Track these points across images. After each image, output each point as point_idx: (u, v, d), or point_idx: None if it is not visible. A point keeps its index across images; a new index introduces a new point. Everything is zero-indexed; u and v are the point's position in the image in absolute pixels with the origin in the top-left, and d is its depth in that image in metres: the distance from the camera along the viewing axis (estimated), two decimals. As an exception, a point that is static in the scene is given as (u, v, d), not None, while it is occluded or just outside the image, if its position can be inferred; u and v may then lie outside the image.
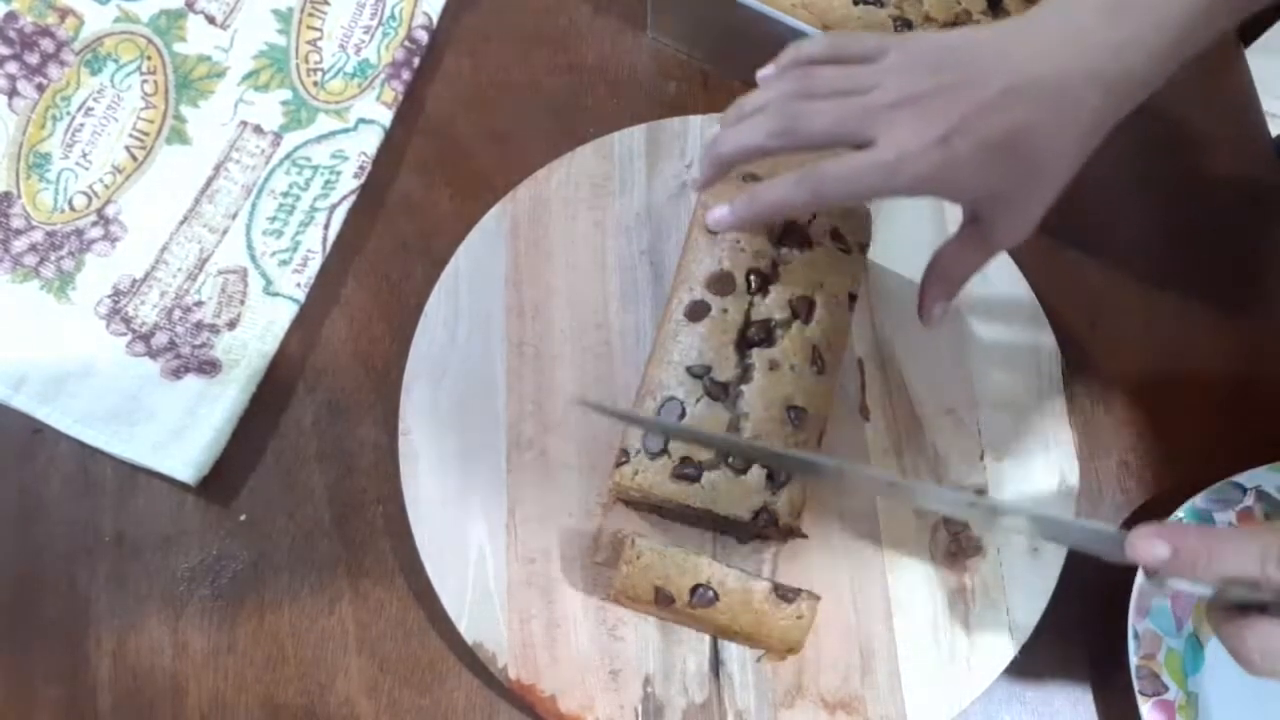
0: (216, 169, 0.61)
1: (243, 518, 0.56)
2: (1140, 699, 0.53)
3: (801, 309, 0.51)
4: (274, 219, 0.60)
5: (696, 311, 0.51)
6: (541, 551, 0.54)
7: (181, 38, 0.62)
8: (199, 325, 0.58)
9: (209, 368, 0.57)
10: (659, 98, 0.65)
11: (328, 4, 0.64)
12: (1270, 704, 0.54)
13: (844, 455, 0.56)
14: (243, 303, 0.58)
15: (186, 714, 0.53)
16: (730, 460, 0.49)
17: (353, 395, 0.58)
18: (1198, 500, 0.55)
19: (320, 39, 0.63)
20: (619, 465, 0.50)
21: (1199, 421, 0.60)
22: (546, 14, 0.66)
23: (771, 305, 0.51)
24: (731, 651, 0.53)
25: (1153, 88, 0.45)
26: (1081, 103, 0.45)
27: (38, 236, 0.59)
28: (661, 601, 0.49)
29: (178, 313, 0.58)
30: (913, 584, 0.54)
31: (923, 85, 0.46)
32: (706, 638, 0.53)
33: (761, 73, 0.51)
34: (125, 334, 0.57)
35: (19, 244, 0.58)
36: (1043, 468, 0.56)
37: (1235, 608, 0.41)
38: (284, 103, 0.62)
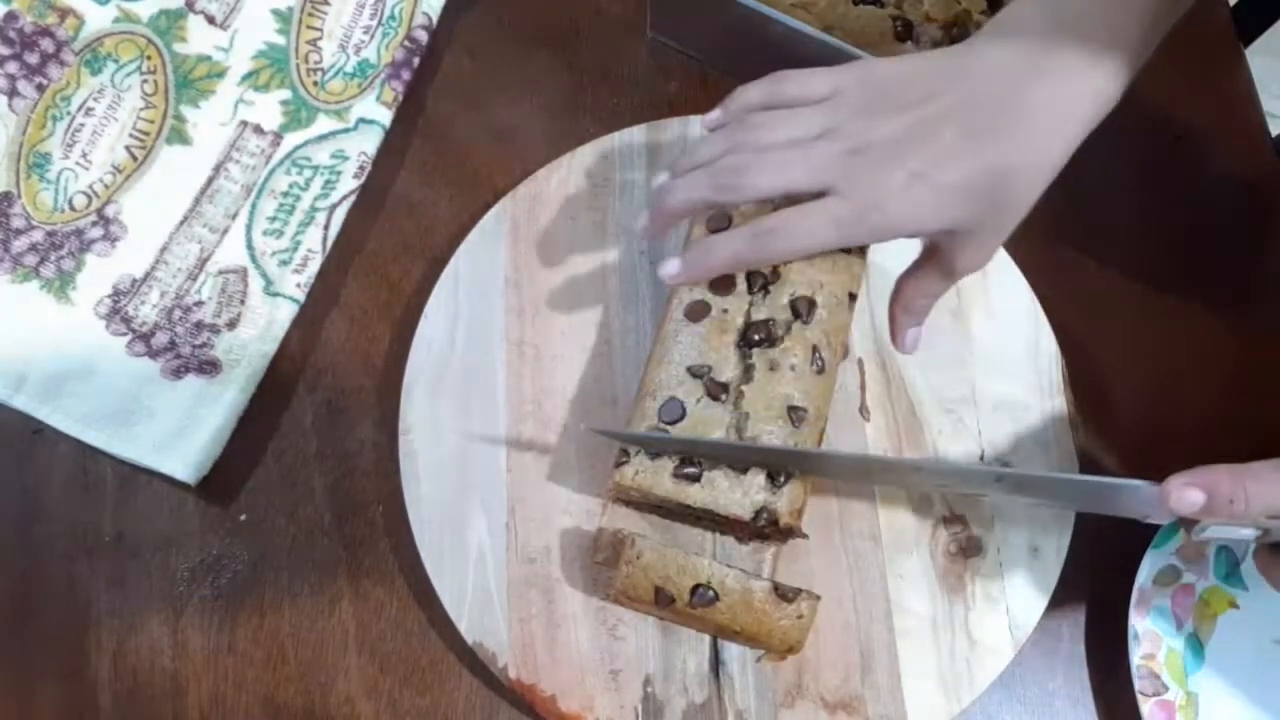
0: (216, 169, 0.61)
1: (243, 518, 0.56)
2: (1140, 699, 0.52)
3: (802, 309, 0.51)
4: (274, 219, 0.60)
5: (696, 311, 0.51)
6: (541, 551, 0.54)
7: (181, 38, 0.62)
8: (199, 325, 0.58)
9: (209, 368, 0.57)
10: (659, 98, 0.65)
11: (328, 4, 0.64)
12: (1271, 704, 0.54)
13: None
14: (243, 303, 0.58)
15: (186, 714, 0.53)
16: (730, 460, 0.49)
17: (353, 395, 0.58)
18: (1198, 500, 0.55)
19: (320, 39, 0.63)
20: (619, 465, 0.50)
21: (1199, 421, 0.60)
22: (546, 14, 0.66)
23: (772, 305, 0.51)
24: (731, 651, 0.53)
25: (1116, 101, 0.44)
26: (1045, 131, 0.43)
27: (38, 236, 0.59)
28: (661, 601, 0.49)
29: (178, 313, 0.58)
30: (913, 584, 0.54)
31: (879, 130, 0.44)
32: (706, 638, 0.53)
33: (708, 118, 0.49)
34: (125, 334, 0.57)
35: (19, 244, 0.58)
36: (1043, 468, 0.56)
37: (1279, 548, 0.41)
38: (284, 103, 0.62)
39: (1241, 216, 0.65)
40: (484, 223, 0.59)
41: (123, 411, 0.56)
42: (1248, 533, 0.41)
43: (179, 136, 0.61)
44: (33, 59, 0.61)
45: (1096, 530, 0.54)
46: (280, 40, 0.63)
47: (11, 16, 0.61)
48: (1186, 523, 0.43)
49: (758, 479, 0.49)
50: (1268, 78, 0.74)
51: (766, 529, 0.50)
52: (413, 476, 0.54)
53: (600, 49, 0.66)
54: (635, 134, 0.61)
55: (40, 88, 0.60)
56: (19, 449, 0.57)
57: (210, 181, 0.60)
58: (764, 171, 0.44)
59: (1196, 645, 0.54)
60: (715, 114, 0.48)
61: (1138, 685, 0.53)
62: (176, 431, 0.55)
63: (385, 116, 0.62)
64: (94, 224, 0.59)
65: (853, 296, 0.53)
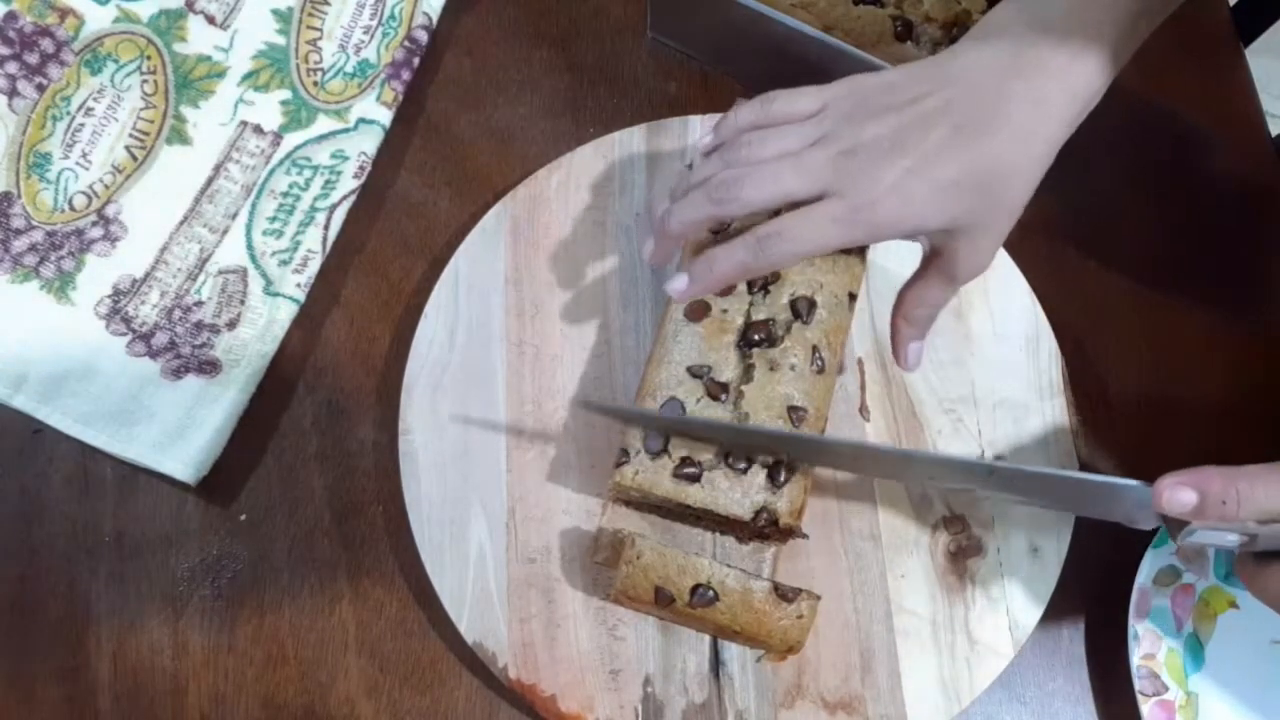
0: (216, 169, 0.61)
1: (243, 518, 0.56)
2: (1140, 699, 0.53)
3: (802, 309, 0.51)
4: (274, 219, 0.60)
5: (696, 311, 0.51)
6: (541, 551, 0.54)
7: (182, 38, 0.62)
8: (199, 325, 0.58)
9: (209, 368, 0.57)
10: (659, 98, 0.65)
11: (328, 4, 0.64)
12: (1271, 704, 0.54)
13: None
14: (243, 303, 0.58)
15: (186, 714, 0.53)
16: (730, 460, 0.49)
17: (353, 395, 0.58)
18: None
19: (320, 39, 0.63)
20: (619, 465, 0.50)
21: (1199, 421, 0.60)
22: (546, 14, 0.66)
23: (772, 305, 0.51)
24: (731, 651, 0.53)
25: (1095, 102, 0.45)
26: (1029, 129, 0.44)
27: (38, 236, 0.59)
28: (661, 601, 0.49)
29: (178, 313, 0.58)
30: (913, 584, 0.54)
31: (869, 131, 0.45)
32: (706, 638, 0.53)
33: (702, 143, 0.50)
34: (125, 334, 0.57)
35: (19, 244, 0.58)
36: (1043, 467, 0.56)
37: (1263, 557, 0.41)
38: (284, 103, 0.62)
39: (1241, 216, 0.65)
40: (484, 223, 0.59)
41: (123, 411, 0.56)
42: (1232, 539, 0.41)
43: (179, 136, 0.61)
44: (33, 59, 0.61)
45: (1097, 530, 0.54)
46: (280, 40, 0.63)
47: (11, 16, 0.61)
48: (1173, 527, 0.43)
49: (758, 479, 0.49)
50: (1268, 78, 0.74)
51: (766, 529, 0.50)
52: (413, 476, 0.54)
53: (600, 49, 0.66)
54: (635, 134, 0.61)
55: (40, 88, 0.60)
56: (19, 449, 0.57)
57: (210, 181, 0.60)
58: (760, 182, 0.45)
59: (1196, 645, 0.54)
60: (708, 138, 0.49)
61: (1138, 685, 0.53)
62: (176, 431, 0.55)
63: (385, 116, 0.62)
64: (94, 224, 0.59)
65: (853, 296, 0.53)
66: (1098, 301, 0.62)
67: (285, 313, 0.58)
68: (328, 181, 0.60)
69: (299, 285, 0.59)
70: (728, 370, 0.50)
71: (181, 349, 0.57)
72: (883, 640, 0.53)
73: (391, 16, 0.63)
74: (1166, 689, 0.53)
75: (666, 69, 0.65)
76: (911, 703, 0.52)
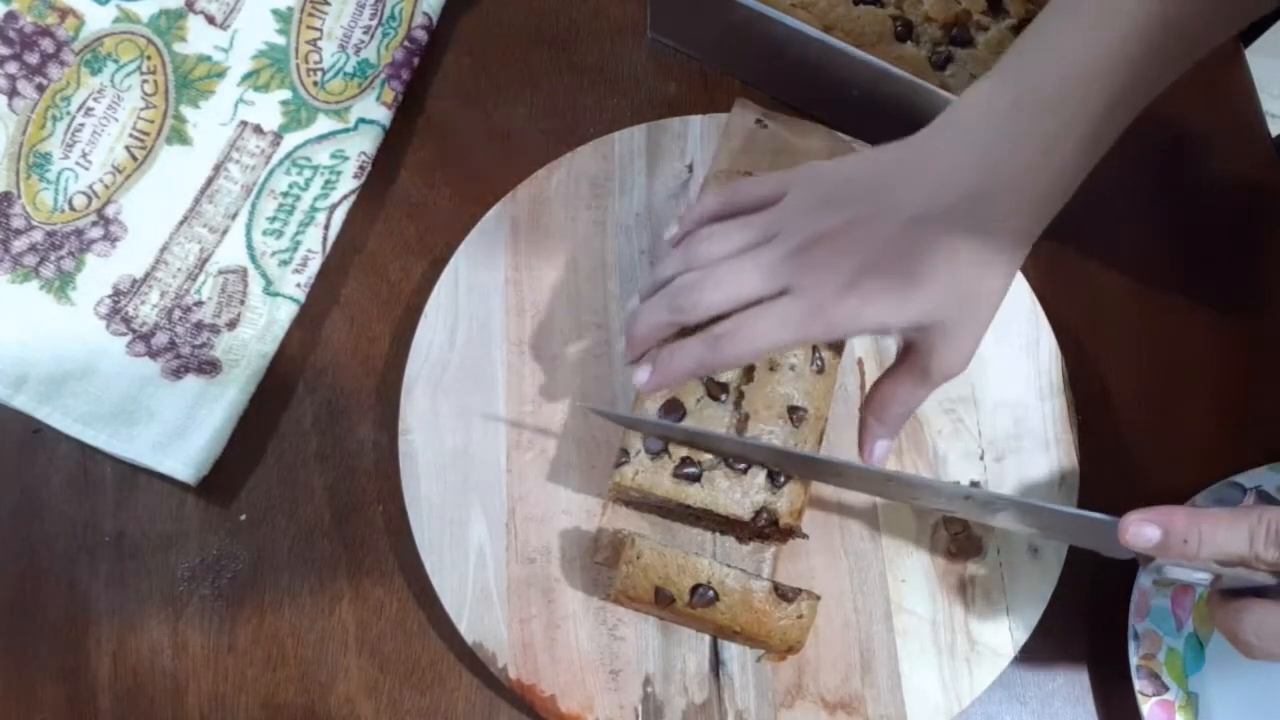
0: (216, 169, 0.61)
1: (243, 518, 0.56)
2: (1140, 699, 0.53)
3: (801, 309, 0.51)
4: (274, 219, 0.60)
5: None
6: (541, 551, 0.54)
7: (181, 38, 0.62)
8: (199, 325, 0.58)
9: (209, 368, 0.57)
10: (659, 98, 0.65)
11: (328, 4, 0.64)
12: (1271, 704, 0.54)
13: (845, 455, 0.55)
14: (243, 303, 0.58)
15: (186, 714, 0.53)
16: (730, 460, 0.49)
17: (353, 395, 0.58)
18: (1198, 500, 0.56)
19: (320, 39, 0.63)
20: (619, 465, 0.50)
21: (1199, 421, 0.60)
22: (546, 14, 0.66)
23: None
24: (731, 651, 0.53)
25: (1070, 194, 0.44)
26: (997, 222, 0.43)
27: (38, 236, 0.59)
28: (661, 601, 0.49)
29: (178, 313, 0.58)
30: (913, 584, 0.54)
31: (827, 225, 0.44)
32: (706, 638, 0.53)
33: (669, 234, 0.50)
34: (125, 334, 0.57)
35: (19, 244, 0.58)
36: (1043, 468, 0.56)
37: (1232, 594, 0.41)
38: (284, 103, 0.62)
39: (1241, 216, 0.65)
40: (484, 223, 0.59)
41: (123, 411, 0.56)
42: (1201, 575, 0.41)
43: (179, 136, 0.61)
44: (33, 59, 0.61)
45: (1096, 530, 0.54)
46: (280, 40, 0.63)
47: (11, 16, 0.61)
48: (1143, 558, 0.43)
49: (758, 479, 0.49)
50: (1268, 78, 0.74)
51: (766, 529, 0.50)
52: (413, 476, 0.54)
53: (600, 49, 0.66)
54: (635, 134, 0.61)
55: (40, 88, 0.60)
56: (19, 449, 0.57)
57: (210, 181, 0.60)
58: (716, 287, 0.45)
59: (1196, 645, 0.54)
60: (675, 229, 0.50)
61: (1138, 685, 0.53)
62: (176, 431, 0.55)
63: (385, 116, 0.62)
64: (94, 224, 0.59)
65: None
66: (1098, 301, 0.62)
67: (285, 313, 0.58)
68: (328, 181, 0.60)
69: (299, 285, 0.59)
70: (728, 370, 0.50)
71: (181, 349, 0.57)
72: (883, 640, 0.53)
73: (391, 16, 0.63)
74: (1166, 689, 0.53)
75: (666, 69, 0.65)
76: (911, 703, 0.52)
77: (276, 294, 0.59)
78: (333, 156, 0.61)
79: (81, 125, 0.60)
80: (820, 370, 0.51)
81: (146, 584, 0.55)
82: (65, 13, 0.61)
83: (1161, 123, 0.65)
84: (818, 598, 0.49)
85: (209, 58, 0.62)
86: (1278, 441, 0.59)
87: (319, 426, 0.58)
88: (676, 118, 0.61)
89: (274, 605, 0.55)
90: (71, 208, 0.59)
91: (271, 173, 0.61)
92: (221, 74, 0.62)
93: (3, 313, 0.57)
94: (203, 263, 0.59)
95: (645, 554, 0.49)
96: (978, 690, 0.52)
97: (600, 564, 0.53)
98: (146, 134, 0.61)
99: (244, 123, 0.61)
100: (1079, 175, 0.43)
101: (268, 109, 0.62)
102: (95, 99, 0.61)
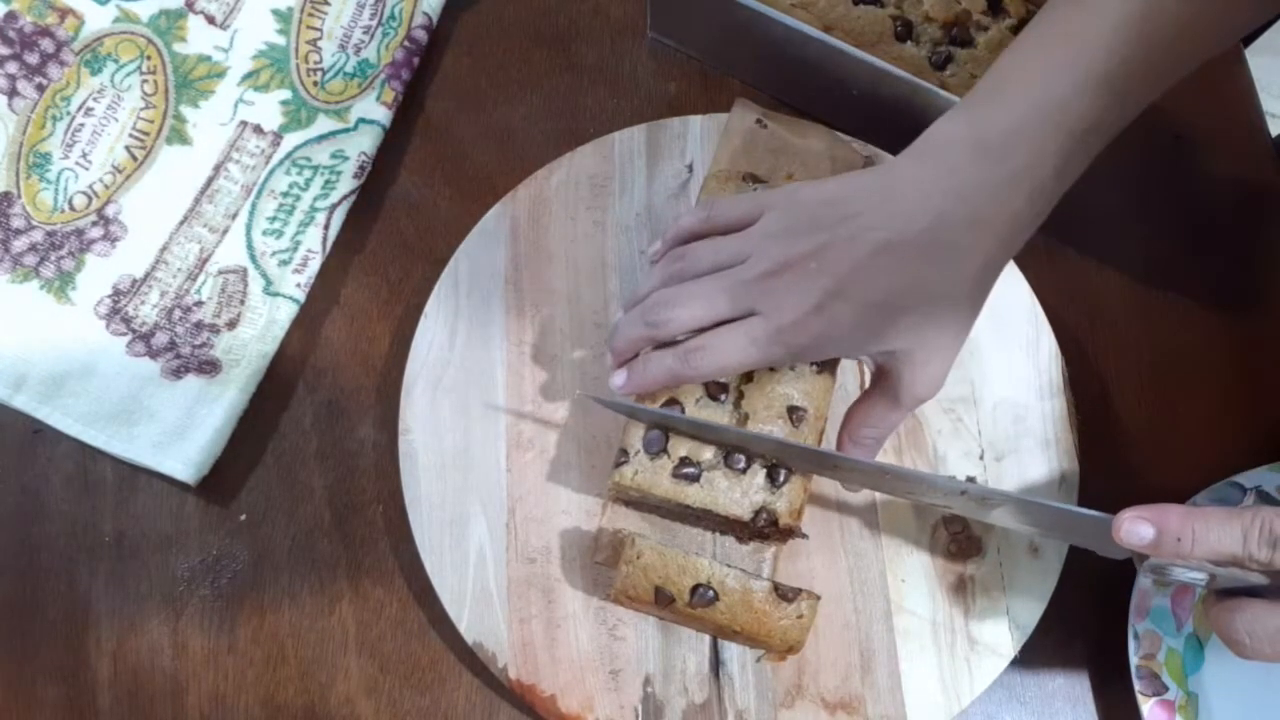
0: (216, 169, 0.61)
1: (243, 518, 0.56)
2: (1140, 699, 0.53)
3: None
4: (274, 219, 0.60)
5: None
6: (541, 551, 0.54)
7: (181, 38, 0.62)
8: (199, 325, 0.58)
9: (209, 368, 0.57)
10: (659, 98, 0.65)
11: (328, 4, 0.64)
12: (1270, 704, 0.54)
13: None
14: (243, 303, 0.58)
15: (186, 714, 0.53)
16: (730, 460, 0.49)
17: (353, 395, 0.58)
18: (1197, 500, 0.56)
19: (320, 39, 0.63)
20: (619, 465, 0.50)
21: (1199, 421, 0.60)
22: (546, 14, 0.66)
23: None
24: (731, 651, 0.53)
25: (1040, 221, 0.44)
26: (965, 250, 0.43)
27: (38, 236, 0.59)
28: (661, 601, 0.49)
29: (178, 313, 0.58)
30: (913, 584, 0.54)
31: (796, 249, 0.45)
32: (706, 638, 0.53)
33: (650, 250, 0.51)
34: (125, 334, 0.57)
35: (19, 244, 0.58)
36: (1043, 468, 0.56)
37: (1226, 593, 0.41)
38: (284, 103, 0.62)
39: (1241, 216, 0.65)
40: (484, 223, 0.59)
41: (123, 411, 0.56)
42: (1196, 575, 0.42)
43: (179, 136, 0.61)
44: (33, 59, 0.61)
45: (1096, 530, 0.54)
46: (280, 40, 0.63)
47: (11, 16, 0.61)
48: (1138, 557, 0.43)
49: (757, 479, 0.49)
50: (1268, 78, 0.74)
51: (766, 529, 0.50)
52: (413, 476, 0.54)
53: (600, 49, 0.66)
54: (635, 134, 0.61)
55: (40, 88, 0.60)
56: (19, 449, 0.57)
57: (210, 181, 0.60)
58: (686, 305, 0.47)
59: (1196, 645, 0.54)
60: (656, 246, 0.51)
61: (1138, 685, 0.53)
62: (176, 431, 0.55)
63: (385, 116, 0.62)
64: (94, 224, 0.59)
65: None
66: (1098, 301, 0.62)
67: (285, 313, 0.58)
68: (328, 181, 0.60)
69: (299, 285, 0.59)
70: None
71: (181, 349, 0.57)
72: (883, 640, 0.53)
73: (391, 16, 0.63)
74: (1166, 689, 0.53)
75: (666, 69, 0.65)
76: (911, 703, 0.52)
77: (276, 294, 0.59)
78: (333, 156, 0.61)
79: (81, 125, 0.60)
80: (820, 370, 0.51)
81: (146, 584, 0.55)
82: (65, 13, 0.61)
83: (1161, 123, 0.66)
84: (818, 598, 0.49)
85: (209, 58, 0.62)
86: (1278, 441, 0.59)
87: (319, 426, 0.58)
88: (676, 118, 0.61)
89: (274, 605, 0.55)
90: (71, 208, 0.59)
91: (271, 173, 0.61)
92: (221, 74, 0.62)
93: (3, 313, 0.57)
94: (203, 263, 0.59)
95: (645, 554, 0.49)
96: (978, 690, 0.52)
97: (600, 564, 0.53)
98: (146, 134, 0.61)
99: (244, 123, 0.61)
100: (1051, 201, 0.44)
101: (268, 109, 0.62)
102: (95, 99, 0.61)
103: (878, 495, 0.55)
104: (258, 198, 0.60)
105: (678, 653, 0.53)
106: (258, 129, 0.61)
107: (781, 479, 0.49)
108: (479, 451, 0.55)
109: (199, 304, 0.58)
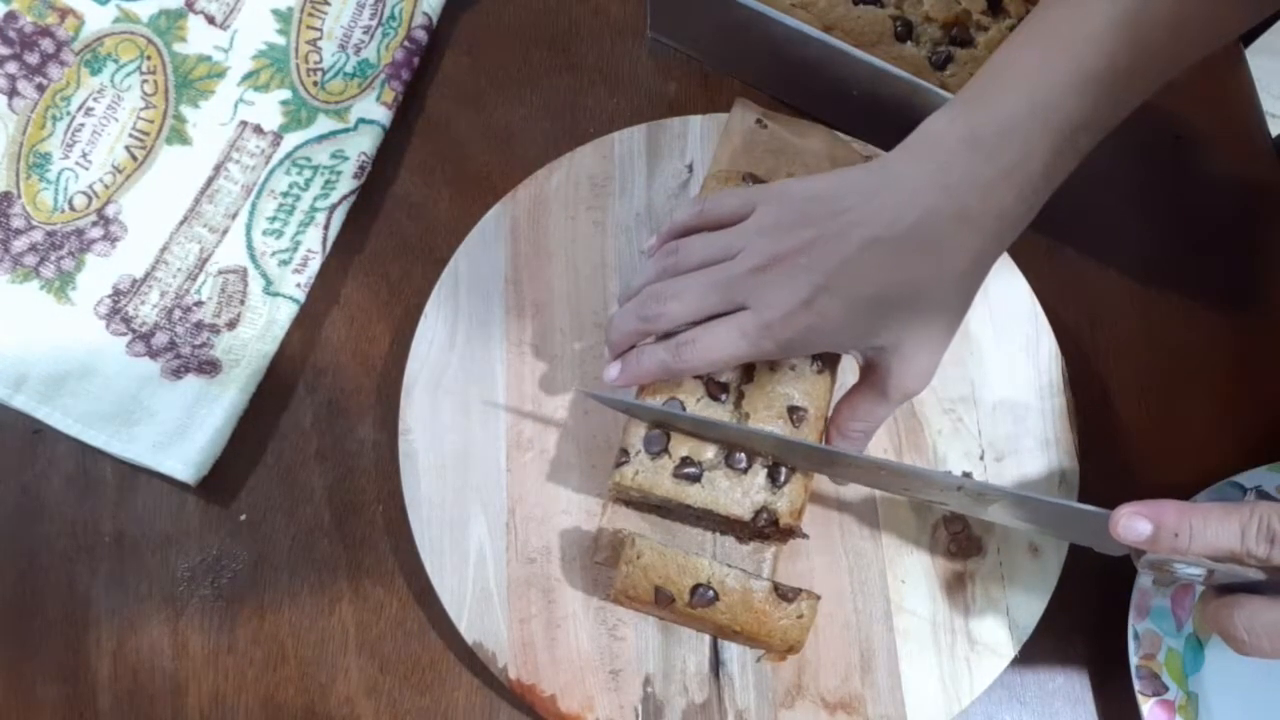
0: (216, 169, 0.61)
1: (243, 518, 0.56)
2: (1140, 699, 0.53)
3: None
4: (274, 219, 0.60)
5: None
6: (541, 551, 0.54)
7: (181, 38, 0.62)
8: (199, 325, 0.58)
9: (209, 368, 0.57)
10: (659, 98, 0.65)
11: (328, 4, 0.64)
12: (1270, 704, 0.54)
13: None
14: (243, 303, 0.58)
15: (186, 714, 0.53)
16: (731, 460, 0.49)
17: (353, 395, 0.58)
18: (1198, 500, 0.55)
19: (320, 39, 0.63)
20: (619, 465, 0.50)
21: (1199, 421, 0.60)
22: (546, 14, 0.66)
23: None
24: (731, 651, 0.53)
25: (1030, 219, 0.44)
26: (954, 246, 0.43)
27: (38, 236, 0.59)
28: (661, 601, 0.49)
29: (178, 313, 0.58)
30: (913, 584, 0.54)
31: (786, 244, 0.45)
32: (706, 638, 0.53)
33: (647, 245, 0.52)
34: (125, 334, 0.57)
35: (19, 244, 0.58)
36: (1043, 468, 0.56)
37: (1225, 589, 0.41)
38: (284, 103, 0.62)
39: (1241, 216, 0.65)
40: (484, 223, 0.59)
41: (123, 411, 0.56)
42: (1194, 571, 0.42)
43: (179, 136, 0.61)
44: (33, 59, 0.61)
45: (1096, 530, 0.54)
46: (280, 40, 0.63)
47: (11, 16, 0.61)
48: (1135, 553, 0.43)
49: (758, 479, 0.49)
50: (1268, 78, 0.74)
51: (766, 529, 0.50)
52: (413, 476, 0.54)
53: (600, 49, 0.66)
54: (635, 134, 0.61)
55: (40, 88, 0.60)
56: (19, 449, 0.57)
57: (210, 181, 0.60)
58: (678, 299, 0.47)
59: (1196, 645, 0.54)
60: (652, 240, 0.52)
61: (1138, 685, 0.53)
62: (176, 431, 0.55)
63: (385, 116, 0.62)
64: (94, 224, 0.59)
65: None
66: (1098, 301, 0.62)
67: (285, 313, 0.58)
68: (328, 181, 0.60)
69: (299, 285, 0.59)
70: (728, 370, 0.50)
71: (181, 349, 0.57)
72: (883, 640, 0.53)
73: (391, 16, 0.63)
74: (1166, 689, 0.53)
75: (666, 69, 0.65)
76: (911, 703, 0.52)
77: (276, 294, 0.59)
78: (333, 156, 0.61)
79: (81, 125, 0.60)
80: (820, 370, 0.51)
81: (146, 584, 0.55)
82: (65, 13, 0.61)
83: (1161, 123, 0.66)
84: (818, 598, 0.49)
85: (209, 58, 0.62)
86: (1278, 441, 0.59)
87: (319, 426, 0.58)
88: (676, 118, 0.61)
89: (274, 605, 0.55)
90: (71, 208, 0.59)
91: (271, 173, 0.61)
92: (221, 74, 0.62)
93: (3, 313, 0.57)
94: (203, 263, 0.59)
95: (645, 554, 0.49)
96: (978, 690, 0.52)
97: (600, 564, 0.53)
98: (146, 134, 0.61)
99: (244, 123, 0.61)
100: (1041, 198, 0.44)
101: (268, 109, 0.62)
102: (95, 99, 0.61)
103: (878, 494, 0.55)
104: (258, 198, 0.60)
105: (678, 653, 0.53)
106: (258, 129, 0.61)
107: (782, 479, 0.49)
108: (479, 451, 0.55)
109: (199, 304, 0.58)
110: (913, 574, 0.54)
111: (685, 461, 0.49)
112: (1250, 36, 0.72)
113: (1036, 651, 0.54)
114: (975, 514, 0.50)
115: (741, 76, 0.65)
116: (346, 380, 0.59)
